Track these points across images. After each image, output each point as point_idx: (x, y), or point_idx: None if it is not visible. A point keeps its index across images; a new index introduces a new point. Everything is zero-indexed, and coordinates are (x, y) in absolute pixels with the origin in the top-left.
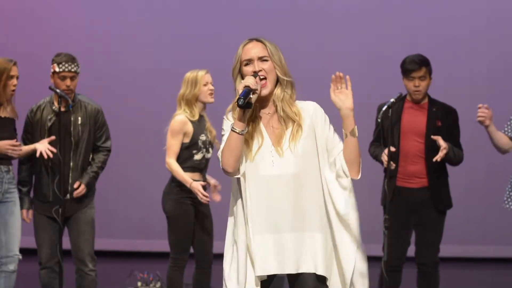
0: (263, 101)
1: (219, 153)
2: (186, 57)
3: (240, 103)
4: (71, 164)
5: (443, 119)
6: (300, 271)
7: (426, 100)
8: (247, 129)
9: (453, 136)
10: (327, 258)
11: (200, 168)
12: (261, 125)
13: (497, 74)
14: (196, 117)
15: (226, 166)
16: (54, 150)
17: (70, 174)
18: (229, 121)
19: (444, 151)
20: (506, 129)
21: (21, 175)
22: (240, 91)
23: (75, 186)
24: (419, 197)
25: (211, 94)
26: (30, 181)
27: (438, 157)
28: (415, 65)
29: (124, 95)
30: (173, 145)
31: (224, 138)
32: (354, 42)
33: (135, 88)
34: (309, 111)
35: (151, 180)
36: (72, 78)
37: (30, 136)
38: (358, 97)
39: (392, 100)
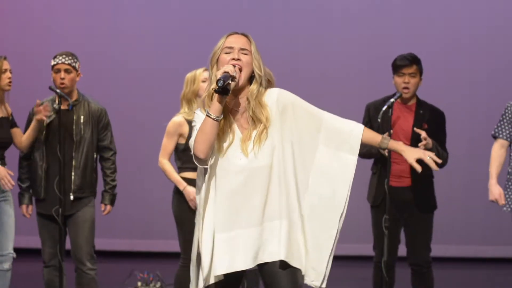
0: (235, 96)
1: (191, 141)
2: (188, 57)
3: (219, 84)
4: (74, 163)
5: (430, 122)
6: (265, 261)
7: (414, 101)
8: (221, 116)
9: (438, 139)
10: (291, 244)
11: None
12: (232, 121)
13: (497, 75)
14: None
15: (199, 152)
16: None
17: (73, 173)
18: (201, 115)
19: (424, 142)
20: (496, 130)
21: (21, 171)
22: (219, 76)
23: (102, 209)
24: (406, 196)
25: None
26: (29, 178)
27: (420, 145)
28: (406, 61)
29: (125, 94)
30: (167, 146)
31: (196, 127)
32: (354, 42)
33: (136, 87)
34: (272, 99)
35: (151, 180)
36: (66, 71)
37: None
38: (357, 97)
39: (392, 100)
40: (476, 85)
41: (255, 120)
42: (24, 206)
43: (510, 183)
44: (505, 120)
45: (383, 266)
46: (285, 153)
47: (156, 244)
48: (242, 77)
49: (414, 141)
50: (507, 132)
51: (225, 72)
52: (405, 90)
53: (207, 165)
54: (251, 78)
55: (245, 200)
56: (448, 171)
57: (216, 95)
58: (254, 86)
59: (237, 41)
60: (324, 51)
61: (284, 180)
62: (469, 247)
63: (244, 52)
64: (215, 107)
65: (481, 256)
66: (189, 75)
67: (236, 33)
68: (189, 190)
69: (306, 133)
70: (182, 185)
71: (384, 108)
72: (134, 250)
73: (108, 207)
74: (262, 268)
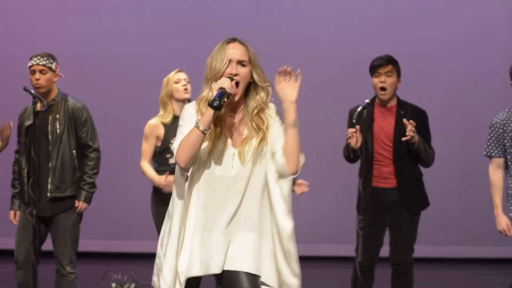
0: (232, 105)
1: (175, 145)
2: (176, 57)
3: (215, 104)
4: (50, 164)
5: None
6: (231, 269)
7: (394, 103)
8: (210, 129)
9: (423, 138)
10: (258, 257)
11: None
12: (227, 127)
13: (475, 78)
14: (169, 118)
15: (180, 161)
16: None
17: (50, 174)
18: (192, 115)
19: (411, 133)
20: (487, 150)
21: (13, 177)
22: (215, 92)
23: (76, 205)
24: (393, 197)
25: (185, 90)
26: (20, 183)
27: (404, 138)
28: (381, 61)
29: (104, 95)
30: (145, 149)
31: (182, 130)
32: (332, 44)
33: (114, 89)
34: (272, 115)
35: (126, 181)
36: (41, 72)
37: (19, 139)
38: (333, 101)
39: (367, 101)
40: (453, 87)
41: (254, 128)
42: (12, 212)
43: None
44: (492, 139)
45: (357, 267)
46: (267, 168)
47: (131, 245)
48: (240, 91)
49: (397, 142)
50: (499, 149)
51: (221, 88)
52: (382, 92)
53: (188, 172)
54: (247, 86)
55: (227, 206)
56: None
57: (208, 108)
58: (253, 96)
59: (234, 52)
60: (299, 54)
61: (269, 191)
62: (445, 248)
63: (243, 63)
64: (205, 120)
65: (457, 257)
66: (165, 78)
67: (234, 40)
68: (161, 179)
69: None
70: (156, 179)
71: (358, 109)
72: (109, 251)
73: (81, 203)
74: (223, 275)
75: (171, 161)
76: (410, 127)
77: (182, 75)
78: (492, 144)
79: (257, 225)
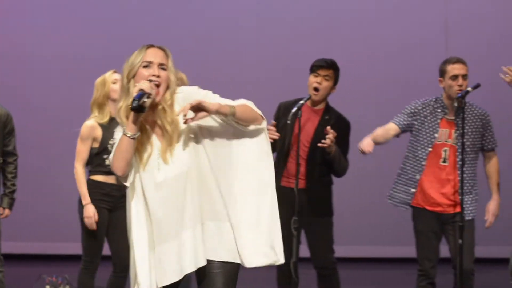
0: (153, 109)
1: (110, 157)
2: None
3: (134, 104)
4: None
5: (334, 128)
6: (200, 265)
7: (322, 106)
8: (138, 133)
9: (340, 148)
10: (225, 242)
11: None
12: (151, 132)
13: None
14: (106, 119)
15: (117, 170)
16: None
17: None
18: (118, 128)
19: (328, 142)
20: (394, 118)
21: None
22: (135, 94)
23: (0, 212)
24: (302, 198)
25: None
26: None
27: (321, 144)
28: (323, 63)
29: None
30: (81, 151)
31: (116, 137)
32: (266, 46)
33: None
34: (180, 103)
35: (60, 181)
36: None
37: None
38: (271, 101)
39: (302, 102)
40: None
41: (166, 128)
42: None
43: (399, 178)
44: (405, 112)
45: (292, 267)
46: (201, 156)
47: (66, 247)
48: (160, 93)
49: (314, 144)
50: (403, 121)
51: (140, 89)
52: (315, 92)
53: (127, 182)
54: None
55: (173, 208)
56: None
57: (132, 113)
58: (167, 95)
59: (156, 55)
60: (236, 54)
61: (205, 183)
62: (361, 248)
63: (163, 67)
64: (131, 126)
65: (373, 256)
66: (98, 79)
67: (153, 46)
68: (89, 208)
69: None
70: (86, 200)
71: (293, 110)
72: (44, 253)
73: (7, 211)
74: (202, 271)
75: (108, 162)
76: (330, 135)
77: (119, 76)
78: (400, 115)
79: (213, 212)
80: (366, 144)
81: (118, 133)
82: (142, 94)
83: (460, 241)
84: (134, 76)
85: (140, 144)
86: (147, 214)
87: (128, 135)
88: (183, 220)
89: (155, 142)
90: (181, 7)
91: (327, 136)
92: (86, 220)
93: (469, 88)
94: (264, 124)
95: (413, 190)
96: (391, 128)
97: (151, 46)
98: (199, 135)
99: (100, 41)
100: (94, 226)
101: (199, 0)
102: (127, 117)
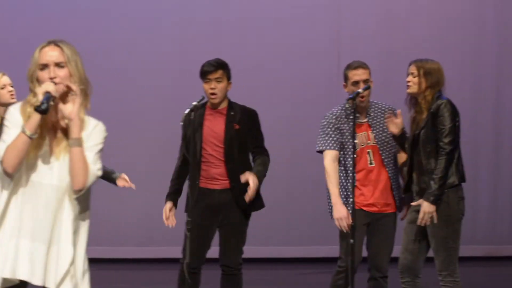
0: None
1: (2, 147)
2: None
3: (43, 107)
4: None
5: (241, 122)
6: (47, 285)
7: (225, 105)
8: (37, 134)
9: (255, 138)
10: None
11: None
12: (46, 133)
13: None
14: None
15: (8, 166)
16: None
17: None
18: (17, 118)
19: (252, 191)
20: (320, 144)
21: None
22: (41, 97)
23: None
24: (222, 198)
25: (11, 95)
26: None
27: (247, 197)
28: (211, 67)
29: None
30: None
31: (9, 132)
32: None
33: None
34: (88, 129)
35: None
36: None
37: None
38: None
39: (194, 103)
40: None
41: (66, 130)
42: None
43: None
44: (326, 133)
45: (184, 268)
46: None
47: None
48: (64, 89)
49: (228, 144)
50: (333, 142)
51: (47, 92)
52: (213, 96)
53: (12, 178)
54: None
55: (44, 214)
56: None
57: (35, 113)
58: (79, 99)
59: (50, 56)
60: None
61: (70, 202)
62: (273, 248)
63: (60, 65)
64: (32, 125)
65: (284, 256)
66: None
67: (49, 44)
68: None
69: None
70: None
71: (186, 112)
72: None
73: None
74: None
75: None
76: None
77: (7, 80)
78: (326, 138)
79: (70, 235)
80: (344, 216)
81: (13, 115)
82: (49, 97)
83: (351, 240)
84: (37, 79)
85: (33, 145)
86: (21, 206)
87: (27, 134)
88: (55, 228)
89: (47, 142)
90: None
91: (249, 188)
92: None
93: (360, 90)
94: None
95: (350, 199)
96: (333, 156)
97: (46, 45)
98: None
99: None
100: None
101: None
102: (28, 116)
